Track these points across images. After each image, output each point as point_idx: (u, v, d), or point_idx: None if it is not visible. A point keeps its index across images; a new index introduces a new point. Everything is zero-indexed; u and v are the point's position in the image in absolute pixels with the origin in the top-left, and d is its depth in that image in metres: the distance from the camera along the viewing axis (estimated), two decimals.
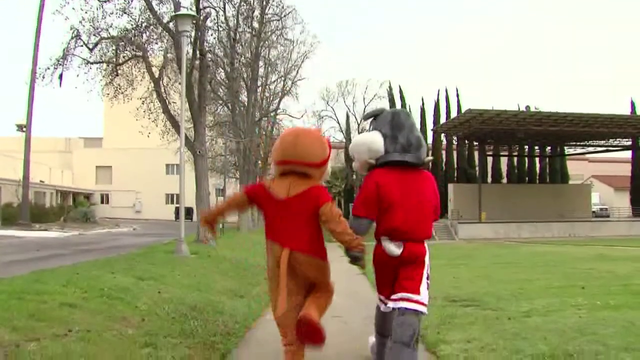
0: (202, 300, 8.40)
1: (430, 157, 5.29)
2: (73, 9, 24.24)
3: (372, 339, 5.51)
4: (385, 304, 4.92)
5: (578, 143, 56.20)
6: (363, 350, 6.41)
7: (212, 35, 24.22)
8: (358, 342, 6.78)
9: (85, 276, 8.48)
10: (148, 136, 26.42)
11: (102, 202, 70.59)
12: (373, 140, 5.01)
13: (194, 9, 19.92)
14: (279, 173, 5.02)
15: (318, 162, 4.94)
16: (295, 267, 4.75)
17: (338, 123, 59.05)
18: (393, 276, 4.85)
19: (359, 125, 58.99)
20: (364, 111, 58.57)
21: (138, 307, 6.98)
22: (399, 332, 4.54)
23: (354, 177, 57.71)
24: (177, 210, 45.39)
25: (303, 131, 5.32)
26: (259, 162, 42.63)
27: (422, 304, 4.69)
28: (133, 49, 20.71)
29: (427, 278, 4.89)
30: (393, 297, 4.76)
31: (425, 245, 4.96)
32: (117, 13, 20.10)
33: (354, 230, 4.82)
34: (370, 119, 5.32)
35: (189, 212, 38.15)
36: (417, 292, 4.70)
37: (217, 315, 7.55)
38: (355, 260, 4.86)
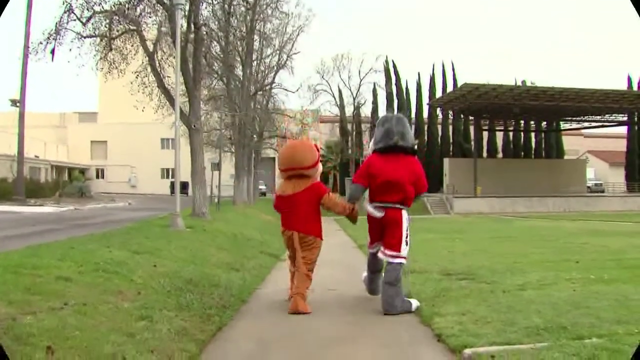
0: (198, 273, 8.43)
1: (395, 139, 6.97)
2: None
3: (365, 274, 7.70)
4: (377, 253, 7.08)
5: (574, 118, 56.18)
6: (357, 322, 6.46)
7: (206, 8, 23.96)
8: (352, 315, 6.83)
9: (81, 250, 8.48)
10: (143, 110, 26.27)
11: (97, 177, 70.43)
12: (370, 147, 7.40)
13: None
14: (285, 177, 7.33)
15: (311, 165, 7.20)
16: (300, 240, 7.07)
17: (334, 97, 58.76)
18: (379, 232, 7.04)
19: (354, 99, 58.79)
20: (359, 84, 58.43)
21: (134, 281, 6.99)
22: (387, 276, 6.80)
23: (349, 151, 57.71)
24: (172, 184, 45.40)
25: (296, 144, 8.02)
26: (254, 136, 42.50)
27: (403, 257, 6.89)
28: (127, 23, 20.47)
29: (407, 237, 6.95)
30: (385, 251, 6.90)
31: (403, 212, 6.97)
32: None
33: (351, 192, 7.29)
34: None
35: (184, 186, 38.17)
36: (399, 249, 6.85)
37: (212, 289, 7.58)
38: (351, 220, 7.52)
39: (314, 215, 7.22)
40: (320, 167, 7.47)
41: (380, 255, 7.00)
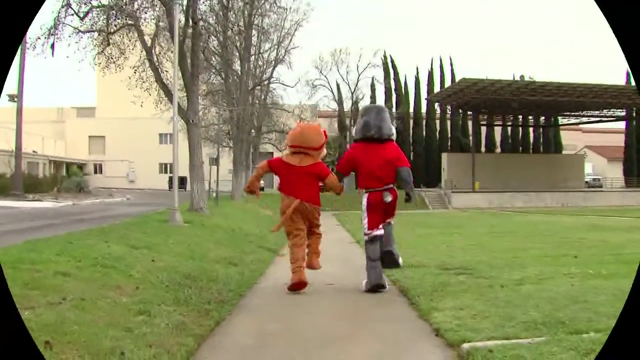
0: (196, 268, 8.44)
1: (372, 133, 7.97)
2: None
3: (365, 281, 7.89)
4: (375, 235, 7.80)
5: (572, 113, 56.23)
6: (355, 316, 6.47)
7: (204, 2, 23.90)
8: (351, 309, 6.84)
9: (79, 245, 8.47)
10: (142, 106, 26.20)
11: (95, 172, 70.27)
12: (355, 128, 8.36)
13: None
14: (292, 152, 8.15)
15: (316, 146, 8.08)
16: (302, 210, 7.90)
17: (332, 92, 58.70)
18: (384, 213, 7.87)
19: (352, 94, 58.73)
20: (358, 79, 58.41)
21: (132, 276, 6.99)
22: (387, 229, 7.90)
23: (348, 146, 57.65)
24: (170, 179, 45.30)
25: (307, 126, 8.60)
26: (252, 131, 42.44)
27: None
28: (124, 18, 20.40)
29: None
30: (387, 221, 7.90)
31: (395, 189, 7.93)
32: None
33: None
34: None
35: (182, 181, 38.06)
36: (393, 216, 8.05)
37: (210, 284, 7.59)
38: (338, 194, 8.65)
39: (314, 188, 8.10)
40: (324, 151, 8.40)
41: (386, 225, 7.92)
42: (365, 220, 7.88)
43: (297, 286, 7.65)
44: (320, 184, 8.25)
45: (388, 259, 7.91)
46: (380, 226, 7.83)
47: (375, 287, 7.66)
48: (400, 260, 8.15)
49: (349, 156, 8.19)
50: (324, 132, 8.35)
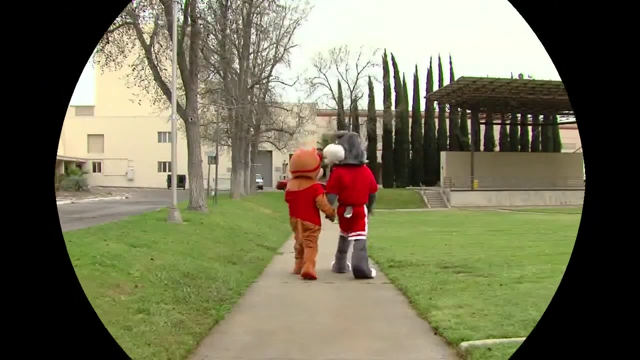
0: (195, 266, 8.43)
1: (366, 160, 9.78)
2: None
3: (333, 262, 9.58)
4: (347, 236, 9.30)
5: (571, 112, 56.14)
6: (354, 314, 6.48)
7: (202, 1, 23.87)
8: (350, 308, 6.85)
9: (78, 243, 8.46)
10: (140, 103, 26.16)
11: (94, 170, 70.15)
12: (339, 152, 9.32)
13: None
14: (293, 177, 9.53)
15: (313, 169, 9.37)
16: (303, 226, 9.19)
17: (331, 90, 58.62)
18: (348, 223, 9.24)
19: (351, 92, 58.71)
20: (357, 78, 58.42)
21: (131, 274, 6.98)
22: (357, 246, 9.04)
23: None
24: (169, 178, 45.30)
25: (303, 152, 9.80)
26: (251, 129, 42.42)
27: (365, 235, 9.25)
28: (123, 16, 20.39)
29: (367, 224, 9.37)
30: (352, 234, 9.15)
31: (364, 208, 9.34)
32: None
33: (328, 199, 9.27)
34: (338, 138, 9.76)
35: (181, 179, 38.04)
36: (363, 229, 9.23)
37: (209, 282, 7.58)
38: (330, 219, 9.58)
39: (312, 208, 9.28)
40: (320, 171, 9.67)
41: (350, 238, 9.21)
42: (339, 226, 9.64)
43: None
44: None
45: (359, 275, 8.92)
46: (352, 235, 9.17)
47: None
48: (373, 273, 9.14)
49: (337, 180, 9.30)
50: (319, 155, 9.66)
